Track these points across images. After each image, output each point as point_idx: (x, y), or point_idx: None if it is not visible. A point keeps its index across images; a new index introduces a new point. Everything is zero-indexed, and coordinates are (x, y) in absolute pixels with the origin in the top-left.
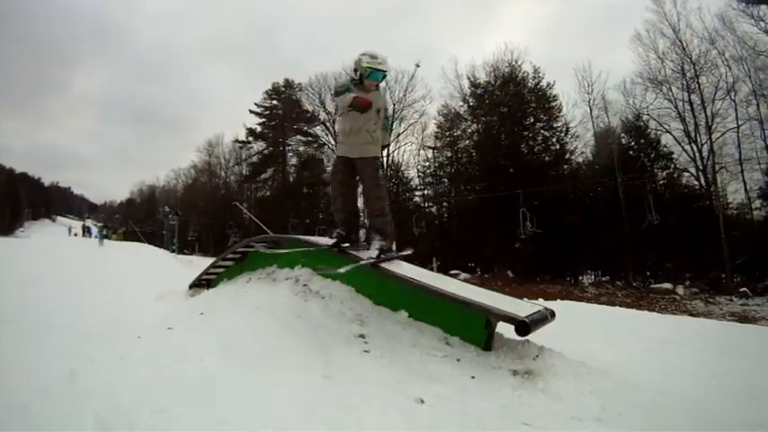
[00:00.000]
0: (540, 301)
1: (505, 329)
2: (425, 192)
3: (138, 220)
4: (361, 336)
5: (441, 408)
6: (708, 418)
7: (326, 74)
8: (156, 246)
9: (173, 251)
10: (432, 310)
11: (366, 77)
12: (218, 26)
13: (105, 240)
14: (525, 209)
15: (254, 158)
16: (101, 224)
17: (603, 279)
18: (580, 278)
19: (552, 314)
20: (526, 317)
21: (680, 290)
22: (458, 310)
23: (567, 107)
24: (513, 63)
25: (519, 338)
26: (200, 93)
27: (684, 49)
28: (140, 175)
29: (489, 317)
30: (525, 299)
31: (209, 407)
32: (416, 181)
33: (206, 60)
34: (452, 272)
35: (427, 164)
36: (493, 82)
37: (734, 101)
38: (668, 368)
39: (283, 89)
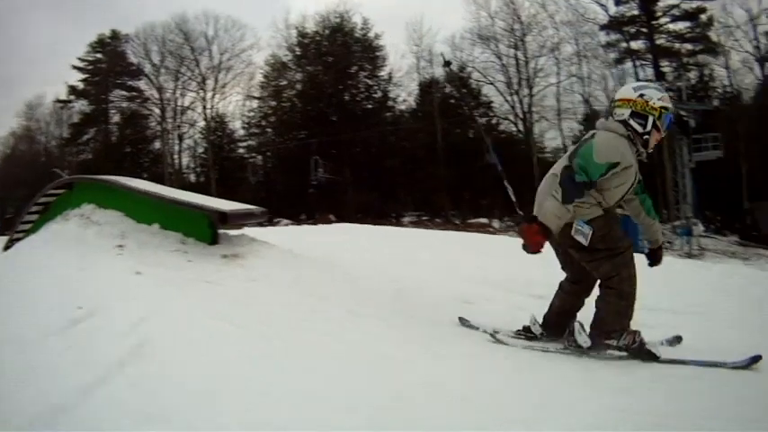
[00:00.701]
0: None
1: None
2: (249, 142)
3: None
4: (120, 246)
5: (152, 276)
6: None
7: (154, 23)
8: None
9: None
10: (174, 220)
11: (658, 120)
12: None
13: None
14: (318, 157)
15: (75, 119)
16: None
17: (424, 218)
18: (402, 219)
19: (263, 213)
20: (228, 210)
21: (495, 224)
22: (191, 215)
23: (395, 58)
24: (344, 14)
25: (240, 234)
26: (22, 46)
27: (516, 10)
28: None
29: (209, 215)
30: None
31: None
32: (241, 132)
33: (24, 7)
34: (276, 220)
35: (252, 114)
36: (321, 32)
37: (557, 59)
38: (394, 259)
39: (110, 41)
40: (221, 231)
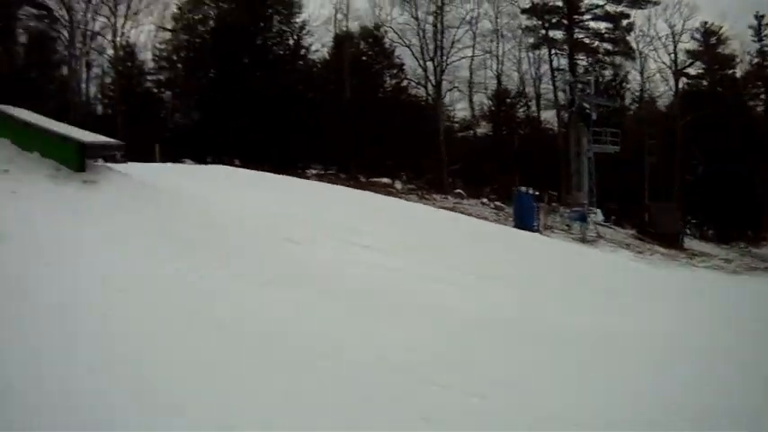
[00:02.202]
0: None
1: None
2: (159, 77)
3: None
4: (6, 170)
5: (27, 195)
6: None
7: None
8: None
9: None
10: (51, 149)
11: None
12: None
13: None
14: None
15: None
16: None
17: (329, 172)
18: (308, 171)
19: (120, 147)
20: (88, 142)
21: (398, 185)
22: (64, 145)
23: (314, 7)
24: None
25: (106, 166)
26: None
27: None
28: None
29: (77, 146)
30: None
31: None
32: (151, 65)
33: None
34: (181, 160)
35: (163, 47)
36: None
37: (474, 33)
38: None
39: None
40: (101, 164)
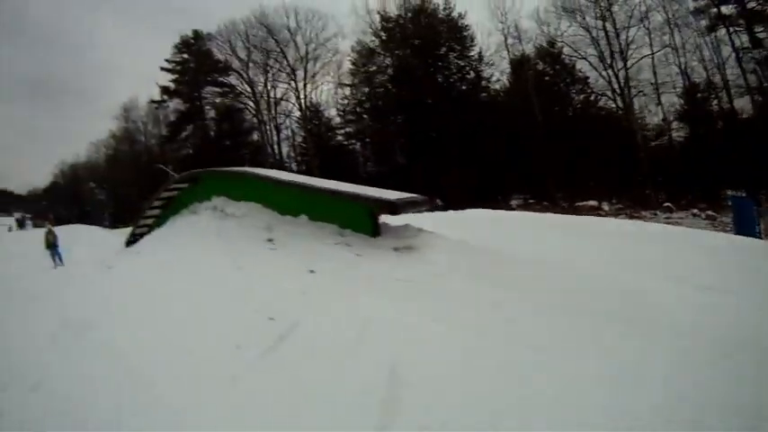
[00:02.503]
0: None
1: (397, 222)
2: (347, 130)
3: (65, 202)
4: (270, 240)
5: (329, 275)
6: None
7: (235, 19)
8: (88, 224)
9: (105, 226)
10: (326, 211)
11: None
12: None
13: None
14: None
15: (173, 117)
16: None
17: (531, 201)
18: (510, 202)
19: (427, 201)
20: (396, 199)
21: (605, 206)
22: (347, 206)
23: (482, 37)
24: None
25: (402, 225)
26: (101, 55)
27: None
28: (59, 155)
29: (370, 205)
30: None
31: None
32: (337, 120)
33: (100, 19)
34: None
35: (346, 101)
36: (404, 15)
37: (647, 29)
38: (552, 248)
39: (192, 41)
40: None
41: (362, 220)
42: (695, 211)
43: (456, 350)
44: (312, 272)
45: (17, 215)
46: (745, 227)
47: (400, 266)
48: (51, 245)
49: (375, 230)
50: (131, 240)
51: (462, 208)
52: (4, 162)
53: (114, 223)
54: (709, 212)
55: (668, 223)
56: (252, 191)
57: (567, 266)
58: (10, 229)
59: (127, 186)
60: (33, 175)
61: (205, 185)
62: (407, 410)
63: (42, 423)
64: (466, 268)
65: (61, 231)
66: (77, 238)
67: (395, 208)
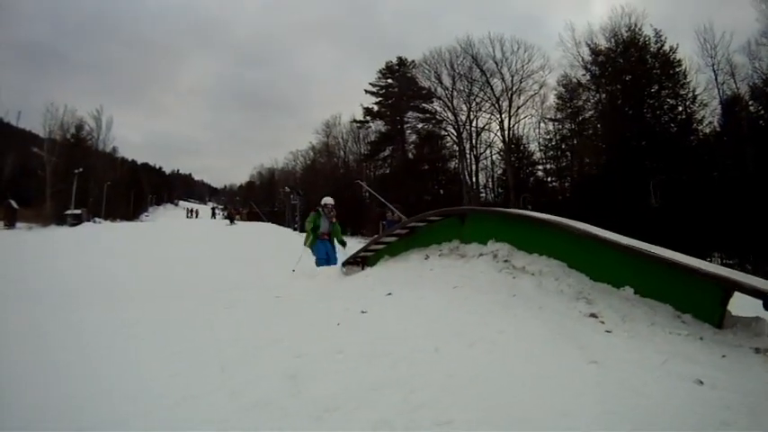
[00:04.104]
0: None
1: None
2: (547, 166)
3: (258, 201)
4: (593, 315)
5: (722, 389)
6: None
7: (440, 48)
8: (277, 224)
9: (294, 229)
10: (659, 286)
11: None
12: (318, 7)
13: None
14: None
15: (373, 137)
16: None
17: (730, 262)
18: (707, 259)
19: None
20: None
21: None
22: (687, 284)
23: (691, 73)
24: (633, 27)
25: (747, 316)
26: (306, 73)
27: None
28: (258, 159)
29: (730, 289)
30: None
31: (481, 406)
32: (538, 155)
33: (308, 41)
34: None
35: (549, 137)
36: (614, 48)
37: None
38: None
39: (397, 67)
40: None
41: (708, 305)
42: None
43: None
44: (701, 383)
45: (212, 204)
46: None
47: None
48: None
49: (721, 320)
50: (350, 262)
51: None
52: (206, 159)
53: (302, 228)
54: None
55: None
56: (550, 243)
57: None
58: (189, 214)
59: (318, 194)
60: (233, 173)
61: (477, 225)
62: None
63: None
64: None
65: (259, 229)
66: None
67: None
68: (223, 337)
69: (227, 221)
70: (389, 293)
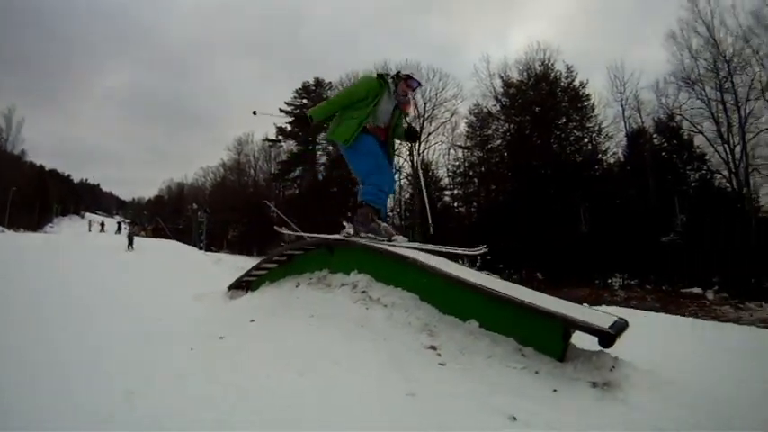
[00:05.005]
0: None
1: (576, 339)
2: (455, 191)
3: (165, 217)
4: (433, 347)
5: (534, 424)
6: None
7: (357, 72)
8: (183, 242)
9: (200, 248)
10: (504, 320)
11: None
12: (241, 23)
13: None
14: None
15: (284, 157)
16: (128, 221)
17: (631, 282)
18: (609, 281)
19: (627, 324)
20: (610, 327)
21: (709, 294)
22: (532, 319)
23: (599, 107)
24: (546, 62)
25: (591, 349)
26: (225, 89)
27: (718, 47)
28: (168, 173)
29: (568, 326)
30: (585, 304)
31: (266, 420)
32: (446, 180)
33: (230, 58)
34: (483, 272)
35: (457, 163)
36: (526, 81)
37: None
38: (725, 375)
39: (313, 88)
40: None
41: (550, 340)
42: None
43: None
44: (514, 419)
45: (118, 218)
46: None
47: (605, 414)
48: None
49: (564, 354)
50: (235, 286)
51: (563, 284)
52: (116, 170)
53: (208, 246)
54: None
55: None
56: (407, 277)
57: None
58: (90, 228)
59: (226, 213)
60: (142, 186)
61: (345, 256)
62: None
63: None
64: (676, 418)
65: (163, 246)
66: (181, 256)
67: (610, 339)
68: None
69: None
70: (253, 320)
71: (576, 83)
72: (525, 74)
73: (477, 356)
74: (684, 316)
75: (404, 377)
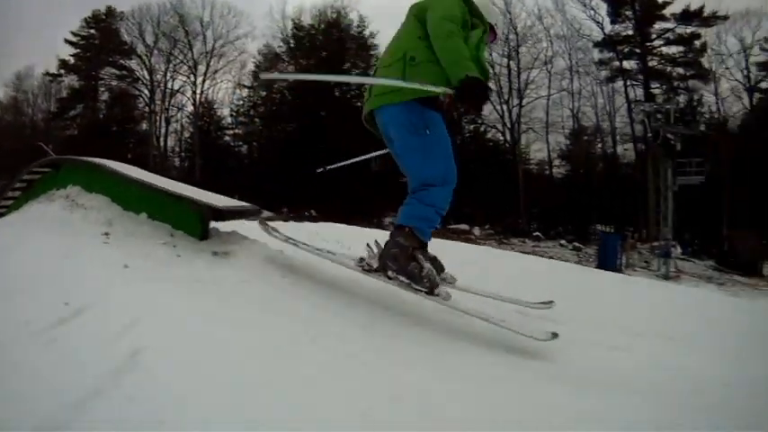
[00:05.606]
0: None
1: (233, 228)
2: (236, 131)
3: None
4: (106, 234)
5: (140, 271)
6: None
7: (150, 3)
8: None
9: None
10: (163, 210)
11: None
12: None
13: None
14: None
15: (65, 93)
16: None
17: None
18: (384, 219)
19: (259, 211)
20: (223, 206)
21: (476, 231)
22: (181, 208)
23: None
24: (341, 10)
25: (231, 231)
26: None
27: (512, 20)
28: None
29: (201, 210)
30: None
31: None
32: (229, 120)
33: None
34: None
35: (241, 103)
36: (317, 26)
37: (549, 72)
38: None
39: (104, 17)
40: (212, 226)
41: (194, 224)
42: (563, 241)
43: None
44: (126, 267)
45: None
46: (607, 259)
47: (210, 269)
48: None
49: (204, 234)
50: None
51: (339, 220)
52: None
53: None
54: (576, 244)
55: (535, 251)
56: (104, 184)
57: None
58: None
59: (3, 159)
60: None
61: (66, 172)
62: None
63: None
64: (271, 275)
65: None
66: None
67: (220, 215)
68: None
69: None
70: None
71: (367, 32)
72: (318, 19)
73: (137, 238)
74: None
75: (69, 251)
